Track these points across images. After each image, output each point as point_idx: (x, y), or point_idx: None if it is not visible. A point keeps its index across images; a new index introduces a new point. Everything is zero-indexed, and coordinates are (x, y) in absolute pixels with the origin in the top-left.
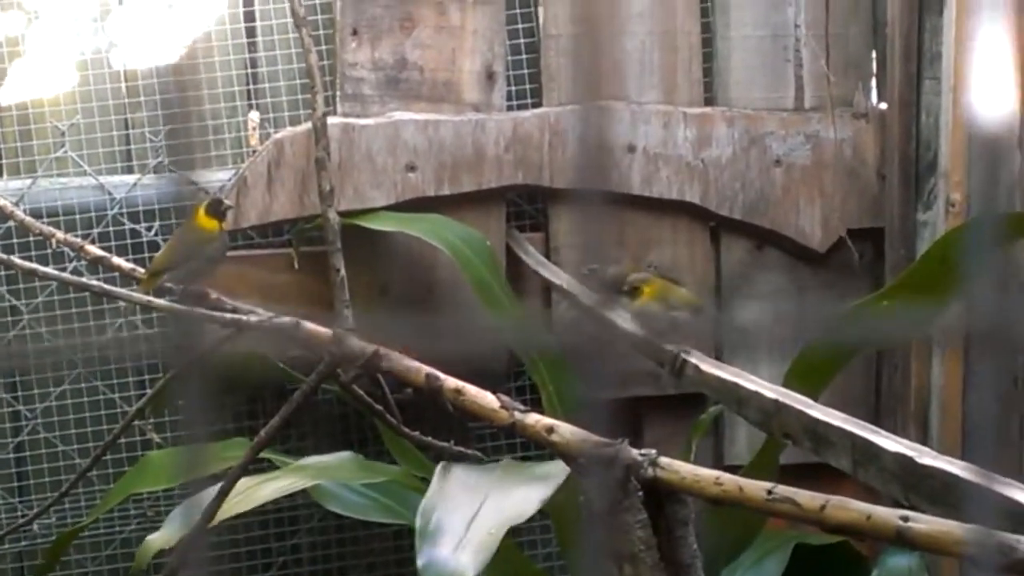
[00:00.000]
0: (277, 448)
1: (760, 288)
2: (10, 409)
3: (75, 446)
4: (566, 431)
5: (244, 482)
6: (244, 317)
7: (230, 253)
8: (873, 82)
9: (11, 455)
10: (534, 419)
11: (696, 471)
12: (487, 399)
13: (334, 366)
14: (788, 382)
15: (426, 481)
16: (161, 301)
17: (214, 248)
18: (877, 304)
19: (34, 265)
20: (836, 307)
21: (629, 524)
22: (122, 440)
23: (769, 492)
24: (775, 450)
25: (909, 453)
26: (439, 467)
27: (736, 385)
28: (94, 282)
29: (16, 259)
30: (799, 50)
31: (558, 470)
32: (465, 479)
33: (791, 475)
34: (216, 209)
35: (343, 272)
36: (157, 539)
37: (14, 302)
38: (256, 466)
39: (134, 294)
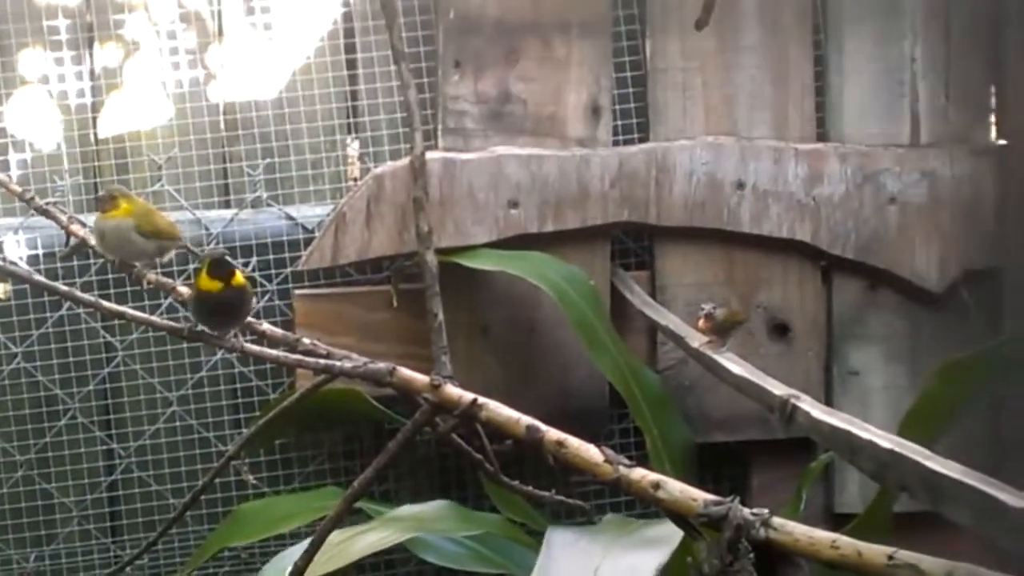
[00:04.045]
0: (374, 489)
1: (873, 330)
2: (104, 448)
3: (169, 486)
4: (674, 488)
5: (338, 535)
6: (337, 363)
7: (327, 291)
8: (992, 118)
9: (104, 494)
10: (639, 474)
11: (811, 533)
12: (590, 452)
13: (431, 415)
14: (903, 430)
15: (526, 528)
16: (253, 347)
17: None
18: (1000, 349)
19: (121, 308)
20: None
21: None
22: (217, 480)
23: (890, 558)
24: (889, 500)
25: None
26: (547, 534)
27: (849, 433)
28: (183, 325)
29: (103, 301)
30: (915, 84)
31: (670, 532)
32: (573, 547)
33: (906, 524)
34: (219, 270)
35: (441, 317)
36: None
37: (108, 338)
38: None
39: (224, 340)
